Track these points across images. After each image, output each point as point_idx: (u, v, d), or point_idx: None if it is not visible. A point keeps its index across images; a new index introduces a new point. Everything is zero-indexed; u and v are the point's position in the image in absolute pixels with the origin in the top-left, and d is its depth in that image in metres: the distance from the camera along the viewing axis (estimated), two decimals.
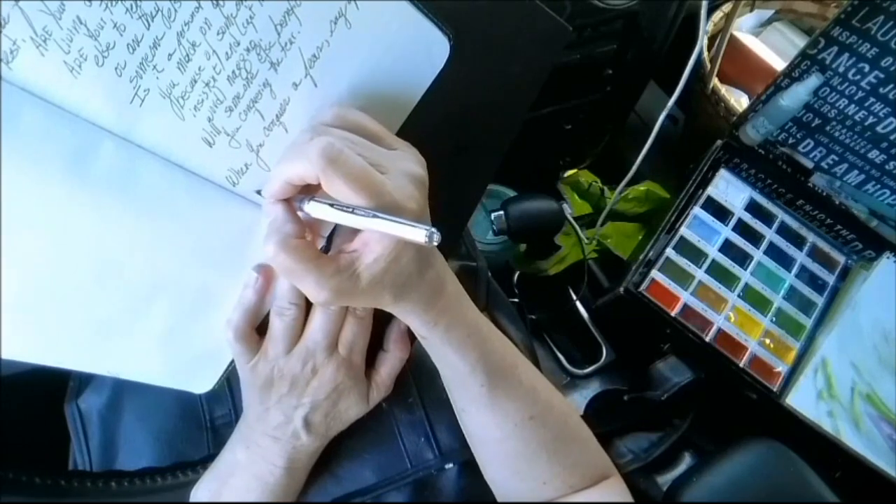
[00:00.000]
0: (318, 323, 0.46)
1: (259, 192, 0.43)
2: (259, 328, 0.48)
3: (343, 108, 0.40)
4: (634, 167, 0.84)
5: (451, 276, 0.46)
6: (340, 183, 0.34)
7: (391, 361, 0.53)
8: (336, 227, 0.44)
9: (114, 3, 0.34)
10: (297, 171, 0.36)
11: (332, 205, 0.36)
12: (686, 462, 0.79)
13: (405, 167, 0.38)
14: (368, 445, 0.57)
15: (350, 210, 0.35)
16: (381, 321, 0.52)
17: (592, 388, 0.88)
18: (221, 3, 0.36)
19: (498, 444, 0.50)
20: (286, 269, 0.37)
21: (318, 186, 0.36)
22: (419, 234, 0.33)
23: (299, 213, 0.39)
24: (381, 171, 0.36)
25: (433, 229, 0.33)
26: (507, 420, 0.49)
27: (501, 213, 0.81)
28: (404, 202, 0.36)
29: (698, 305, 0.79)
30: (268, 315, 0.47)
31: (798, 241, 0.86)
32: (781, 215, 0.87)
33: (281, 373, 0.47)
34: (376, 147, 0.38)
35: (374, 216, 0.35)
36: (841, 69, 0.72)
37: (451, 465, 0.57)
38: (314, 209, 0.38)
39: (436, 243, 0.34)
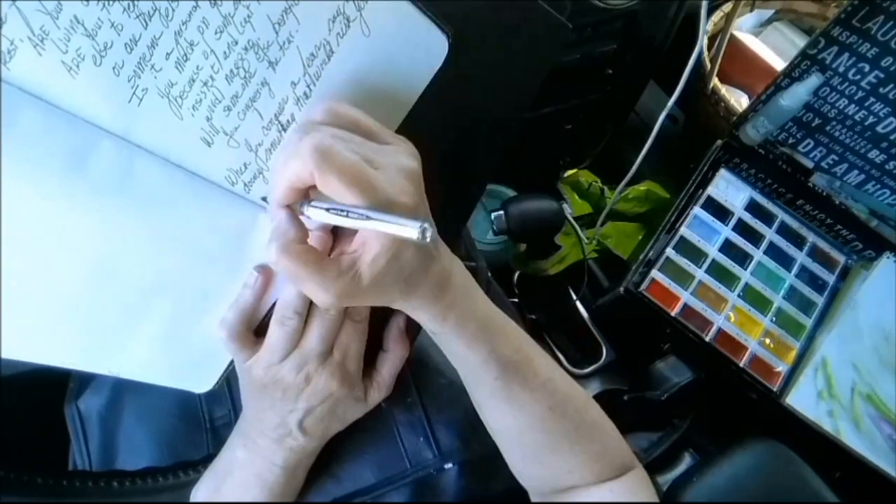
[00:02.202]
0: (316, 333, 0.46)
1: (265, 200, 0.43)
2: (258, 330, 0.48)
3: (334, 103, 0.39)
4: (634, 167, 0.84)
5: (459, 268, 0.46)
6: (333, 179, 0.34)
7: (392, 360, 0.53)
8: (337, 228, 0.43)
9: (111, 2, 0.34)
10: (294, 170, 0.35)
11: (328, 209, 0.36)
12: (686, 462, 0.79)
13: (398, 161, 0.38)
14: (367, 446, 0.57)
15: (345, 213, 0.35)
16: (379, 322, 0.52)
17: (592, 388, 0.87)
18: (219, 2, 0.36)
19: (519, 437, 0.50)
20: (289, 272, 0.37)
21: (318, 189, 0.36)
22: (412, 230, 0.33)
23: (301, 218, 0.39)
24: (373, 166, 0.36)
25: (425, 224, 0.33)
26: (525, 412, 0.48)
27: (501, 213, 0.81)
28: (397, 197, 0.36)
29: (698, 305, 0.79)
30: (267, 318, 0.47)
31: (798, 241, 0.86)
32: (781, 215, 0.87)
33: (274, 379, 0.46)
34: (368, 142, 0.38)
35: (367, 217, 0.34)
36: (841, 69, 0.72)
37: (450, 465, 0.57)
38: (312, 213, 0.38)
39: (429, 239, 0.33)
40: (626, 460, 0.52)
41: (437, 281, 0.43)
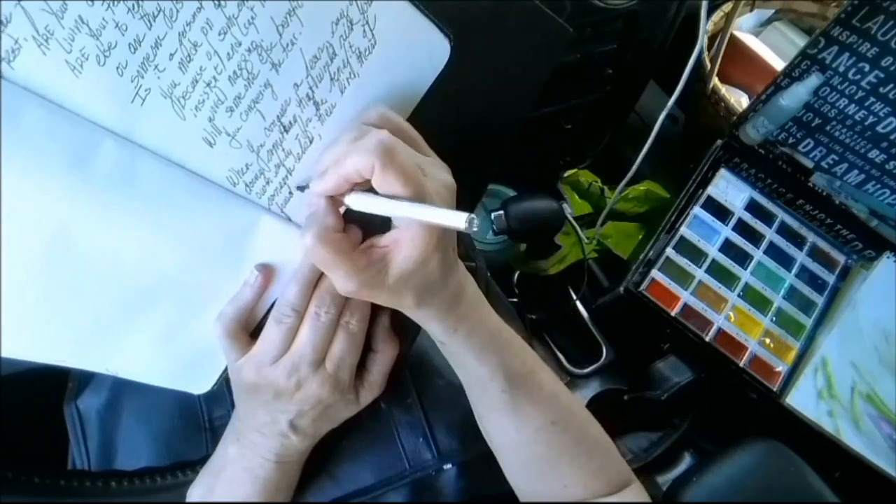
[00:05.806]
0: (306, 336, 0.45)
1: (300, 188, 0.44)
2: (253, 333, 0.47)
3: (384, 109, 0.41)
4: (634, 167, 0.84)
5: (471, 283, 0.47)
6: (393, 175, 0.36)
7: (382, 360, 0.52)
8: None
9: (116, 2, 0.34)
10: (355, 164, 0.37)
11: (374, 195, 0.38)
12: (686, 462, 0.79)
13: (440, 175, 0.40)
14: (366, 446, 0.57)
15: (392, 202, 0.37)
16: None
17: (592, 388, 0.88)
18: (223, 3, 0.36)
19: (520, 449, 0.50)
20: (321, 259, 0.39)
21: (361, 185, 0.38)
22: (459, 218, 0.34)
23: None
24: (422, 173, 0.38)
25: (472, 215, 0.34)
26: (529, 425, 0.49)
27: (501, 212, 0.81)
28: (441, 204, 0.38)
29: (698, 305, 0.79)
30: (262, 322, 0.47)
31: (798, 241, 0.86)
32: (781, 215, 0.87)
33: (266, 380, 0.46)
34: (414, 151, 0.40)
35: (416, 204, 0.36)
36: (841, 69, 0.72)
37: (449, 466, 0.57)
38: (355, 201, 0.39)
39: (475, 229, 0.34)
40: (624, 477, 0.52)
41: (452, 293, 0.44)
